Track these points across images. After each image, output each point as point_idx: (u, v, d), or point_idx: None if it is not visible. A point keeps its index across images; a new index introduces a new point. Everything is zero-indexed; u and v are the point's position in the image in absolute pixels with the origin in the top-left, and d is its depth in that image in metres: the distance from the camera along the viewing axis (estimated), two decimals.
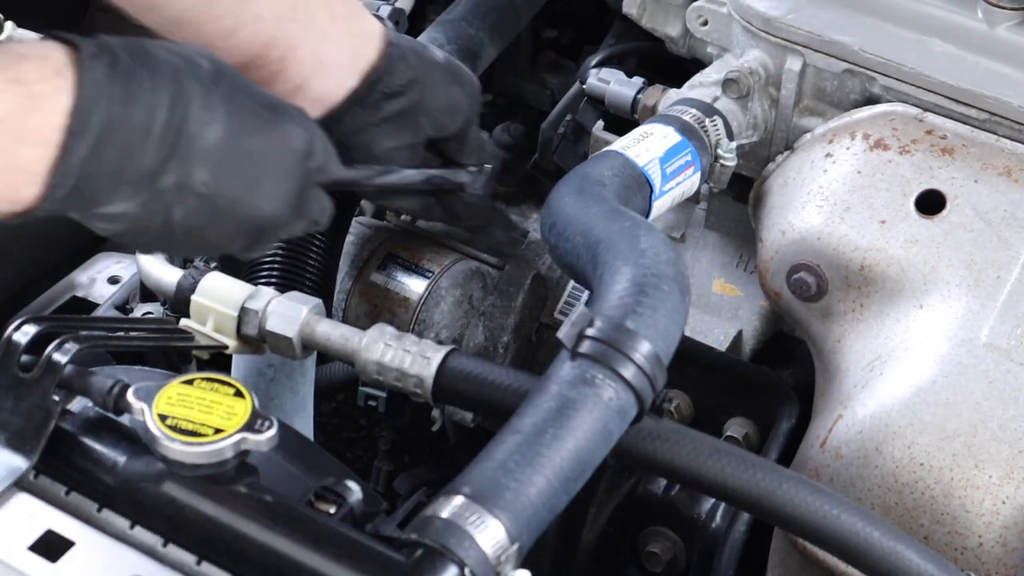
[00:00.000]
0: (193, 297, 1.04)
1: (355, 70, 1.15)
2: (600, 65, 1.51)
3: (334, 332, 1.02)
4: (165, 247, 1.03)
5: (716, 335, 1.36)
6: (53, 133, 0.86)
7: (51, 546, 0.83)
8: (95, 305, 1.50)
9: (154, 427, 0.83)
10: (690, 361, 1.27)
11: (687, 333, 1.18)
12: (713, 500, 1.30)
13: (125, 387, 0.86)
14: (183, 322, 1.04)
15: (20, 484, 0.86)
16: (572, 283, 1.38)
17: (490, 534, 0.81)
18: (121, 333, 0.99)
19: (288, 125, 1.00)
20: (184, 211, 0.93)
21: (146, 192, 0.91)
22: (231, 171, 0.94)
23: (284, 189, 0.99)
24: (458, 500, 0.82)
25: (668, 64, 1.47)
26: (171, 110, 0.90)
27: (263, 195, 0.97)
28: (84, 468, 0.87)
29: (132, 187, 0.90)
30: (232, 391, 0.86)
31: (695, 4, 1.34)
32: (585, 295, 1.34)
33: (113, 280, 1.55)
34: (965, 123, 1.22)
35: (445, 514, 0.81)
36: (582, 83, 1.43)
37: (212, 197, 0.94)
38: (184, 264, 1.23)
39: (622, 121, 1.37)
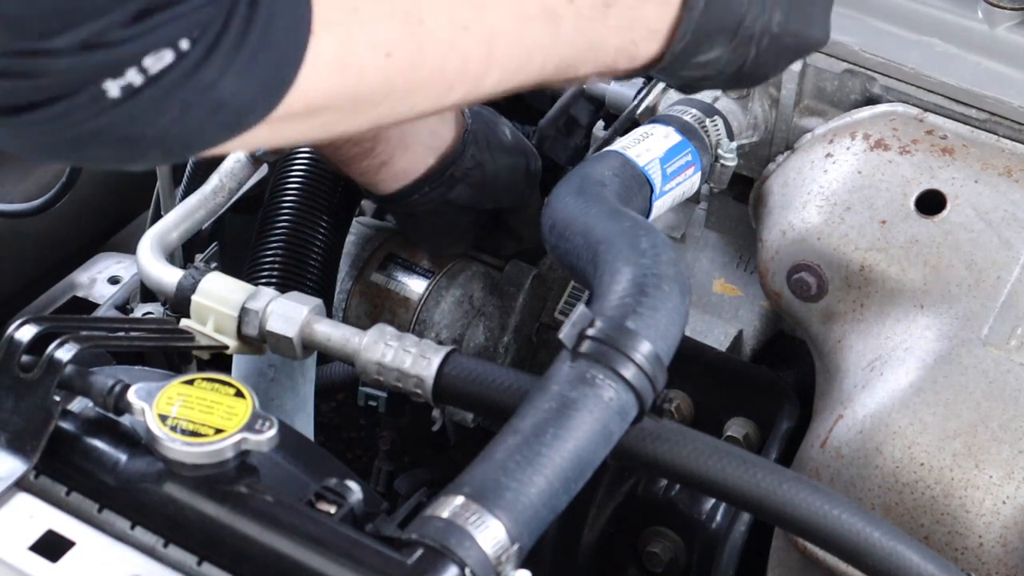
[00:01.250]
0: (193, 297, 1.04)
1: (434, 149, 1.21)
2: None
3: (334, 332, 1.02)
4: (726, 84, 1.09)
5: (716, 335, 1.36)
6: None
7: (52, 546, 0.83)
8: (95, 305, 1.50)
9: (155, 427, 0.83)
10: (690, 361, 1.27)
11: (687, 333, 1.18)
12: (713, 500, 1.30)
13: (126, 387, 0.86)
14: (183, 322, 1.04)
15: (21, 484, 0.86)
16: (572, 283, 1.38)
17: (490, 534, 0.80)
18: (121, 333, 0.99)
19: None
20: (757, 51, 1.01)
21: (736, 38, 0.98)
22: (797, 10, 1.02)
23: (828, 15, 1.09)
24: (458, 500, 0.81)
25: None
26: None
27: (817, 25, 1.06)
28: (85, 468, 0.87)
29: (727, 35, 0.98)
30: (232, 391, 0.86)
31: None
32: (585, 295, 1.34)
33: (113, 280, 1.55)
34: (965, 123, 1.22)
35: (445, 514, 0.81)
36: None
37: (782, 35, 1.02)
38: (184, 265, 1.24)
39: None
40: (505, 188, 1.28)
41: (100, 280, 1.57)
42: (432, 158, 1.21)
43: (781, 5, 1.01)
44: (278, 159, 1.30)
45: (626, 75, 0.98)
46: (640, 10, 0.92)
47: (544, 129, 1.46)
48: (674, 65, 0.98)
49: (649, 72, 0.99)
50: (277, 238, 1.26)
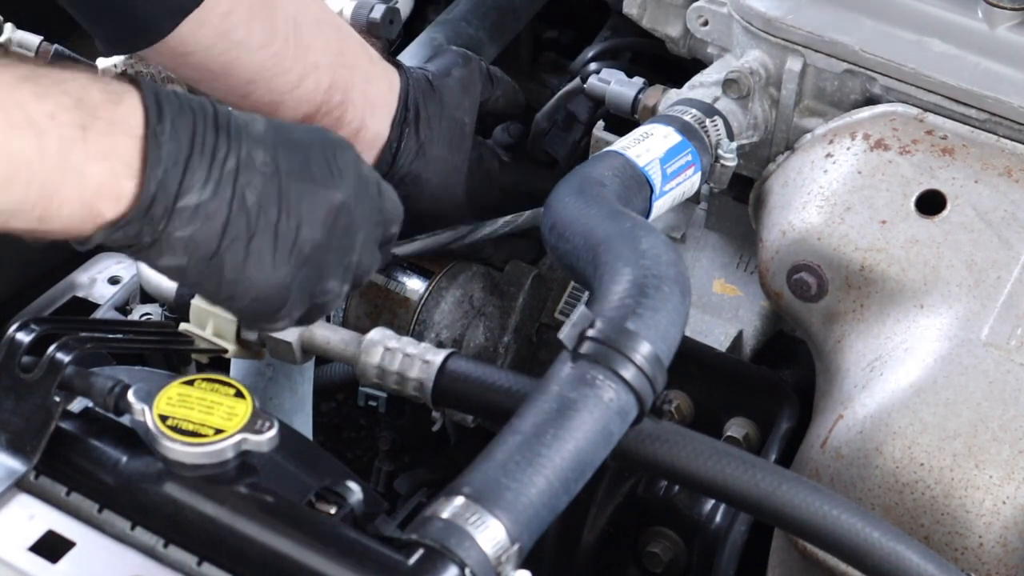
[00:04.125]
0: (193, 301, 1.04)
1: (391, 105, 1.23)
2: (595, 59, 1.51)
3: (333, 336, 1.02)
4: (248, 254, 0.94)
5: (716, 335, 1.36)
6: (136, 123, 0.88)
7: (52, 547, 0.84)
8: (95, 306, 1.50)
9: (155, 428, 0.83)
10: (690, 361, 1.27)
11: (687, 333, 1.18)
12: (713, 500, 1.30)
13: (126, 388, 0.86)
14: (183, 326, 1.04)
15: (21, 485, 0.86)
16: (573, 283, 1.38)
17: (490, 534, 0.81)
18: (121, 335, 0.99)
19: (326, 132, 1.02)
20: (255, 193, 0.92)
21: (216, 174, 0.90)
22: (286, 152, 0.94)
23: (348, 171, 0.98)
24: (458, 500, 0.82)
25: (663, 60, 1.47)
26: (216, 108, 0.93)
27: (323, 173, 0.96)
28: (85, 469, 0.87)
29: (205, 171, 0.90)
30: (232, 391, 0.86)
31: (695, 4, 1.34)
32: (586, 296, 1.34)
33: (113, 281, 1.55)
34: (965, 123, 1.22)
35: (445, 514, 0.81)
36: (582, 79, 1.43)
37: (275, 176, 0.93)
38: None
39: (622, 121, 1.37)
40: (460, 88, 1.29)
41: (100, 280, 1.57)
42: (393, 110, 1.23)
43: (261, 146, 0.93)
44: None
45: (115, 226, 0.88)
46: (115, 138, 0.87)
47: (540, 122, 1.46)
48: (159, 212, 0.88)
49: (136, 231, 0.89)
50: None
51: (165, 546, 0.83)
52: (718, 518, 1.30)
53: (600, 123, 1.40)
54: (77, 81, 0.87)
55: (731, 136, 1.25)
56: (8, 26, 1.41)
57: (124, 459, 0.86)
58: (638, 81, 1.37)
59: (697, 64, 1.38)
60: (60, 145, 0.84)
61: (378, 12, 1.37)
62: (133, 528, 0.84)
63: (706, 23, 1.33)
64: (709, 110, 1.25)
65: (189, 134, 0.89)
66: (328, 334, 1.02)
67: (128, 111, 0.88)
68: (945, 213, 1.16)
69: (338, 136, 1.01)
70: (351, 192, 0.97)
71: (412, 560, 0.79)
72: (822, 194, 1.20)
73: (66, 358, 0.87)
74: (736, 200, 1.36)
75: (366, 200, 0.99)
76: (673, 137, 1.20)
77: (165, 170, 0.88)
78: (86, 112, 0.86)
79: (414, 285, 1.36)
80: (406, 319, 1.35)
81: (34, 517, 0.85)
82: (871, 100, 1.26)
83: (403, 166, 1.24)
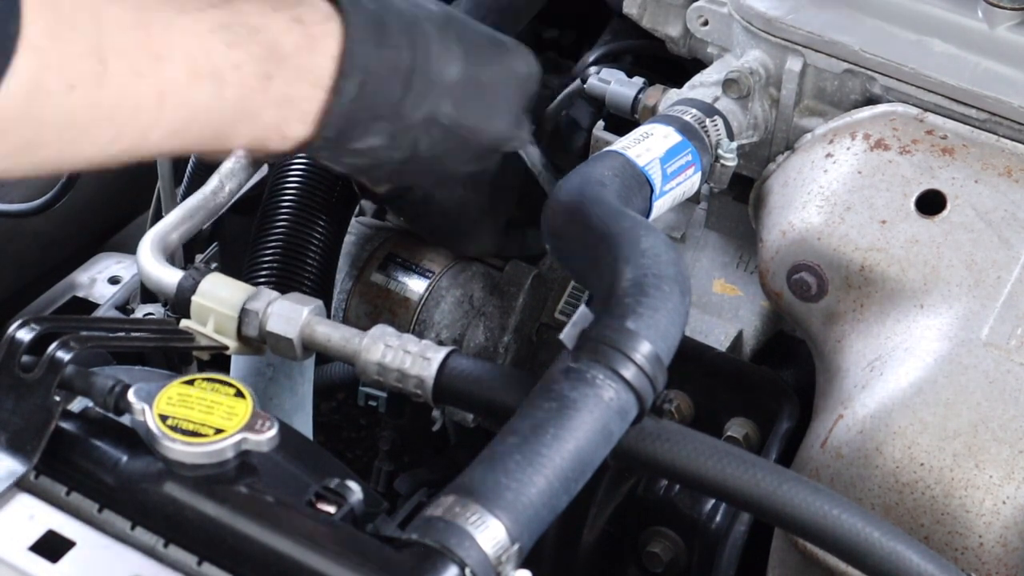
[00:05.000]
0: (193, 298, 1.04)
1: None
2: (597, 62, 1.51)
3: (334, 333, 1.02)
4: (401, 178, 1.05)
5: (716, 335, 1.36)
6: (325, 76, 0.89)
7: (52, 546, 0.83)
8: (95, 305, 1.50)
9: (155, 427, 0.83)
10: (690, 361, 1.27)
11: (687, 333, 1.18)
12: (714, 500, 1.30)
13: (126, 387, 0.86)
14: (183, 323, 1.04)
15: (21, 484, 0.86)
16: (573, 283, 1.38)
17: (490, 534, 0.81)
18: (122, 334, 0.99)
19: (513, 55, 1.07)
20: (429, 142, 0.96)
21: (397, 126, 0.93)
22: (470, 102, 0.98)
23: (513, 111, 1.05)
24: (458, 500, 0.82)
25: (665, 62, 1.47)
26: (413, 52, 0.94)
27: (497, 119, 1.02)
28: (85, 468, 0.87)
29: (386, 122, 0.92)
30: (233, 391, 0.86)
31: (695, 4, 1.34)
32: (586, 295, 1.34)
33: (113, 280, 1.55)
34: (965, 123, 1.22)
35: (445, 514, 0.81)
36: (583, 80, 1.43)
37: (454, 127, 0.97)
38: (184, 265, 1.24)
39: (622, 121, 1.37)
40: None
41: (100, 280, 1.57)
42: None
43: (449, 98, 0.95)
44: (277, 159, 1.30)
45: (278, 155, 0.95)
46: (295, 89, 0.89)
47: (544, 123, 1.46)
48: (330, 150, 0.93)
49: (308, 153, 0.96)
50: (274, 238, 1.26)
51: (165, 546, 0.83)
52: (718, 518, 1.30)
53: (600, 123, 1.40)
54: (276, 27, 0.87)
55: (731, 136, 1.25)
56: None
57: (124, 459, 0.86)
58: (638, 81, 1.37)
59: (697, 64, 1.38)
60: (240, 94, 0.86)
61: None
62: (133, 528, 0.84)
63: (706, 23, 1.34)
64: (709, 110, 1.25)
65: (375, 92, 0.91)
66: (329, 331, 1.02)
67: (321, 61, 0.89)
68: (945, 213, 1.17)
69: (520, 72, 1.06)
70: (512, 133, 1.07)
71: (412, 560, 0.79)
72: (822, 194, 1.20)
73: (66, 357, 0.87)
74: (736, 200, 1.36)
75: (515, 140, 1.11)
76: (673, 137, 1.20)
77: (339, 129, 0.90)
78: (276, 63, 0.87)
79: (414, 285, 1.36)
80: (406, 319, 1.35)
81: (34, 517, 0.85)
82: (871, 100, 1.26)
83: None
